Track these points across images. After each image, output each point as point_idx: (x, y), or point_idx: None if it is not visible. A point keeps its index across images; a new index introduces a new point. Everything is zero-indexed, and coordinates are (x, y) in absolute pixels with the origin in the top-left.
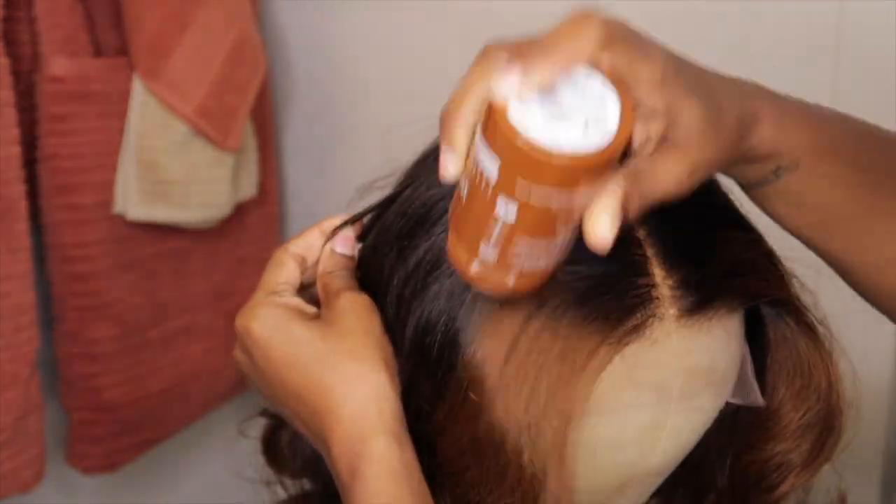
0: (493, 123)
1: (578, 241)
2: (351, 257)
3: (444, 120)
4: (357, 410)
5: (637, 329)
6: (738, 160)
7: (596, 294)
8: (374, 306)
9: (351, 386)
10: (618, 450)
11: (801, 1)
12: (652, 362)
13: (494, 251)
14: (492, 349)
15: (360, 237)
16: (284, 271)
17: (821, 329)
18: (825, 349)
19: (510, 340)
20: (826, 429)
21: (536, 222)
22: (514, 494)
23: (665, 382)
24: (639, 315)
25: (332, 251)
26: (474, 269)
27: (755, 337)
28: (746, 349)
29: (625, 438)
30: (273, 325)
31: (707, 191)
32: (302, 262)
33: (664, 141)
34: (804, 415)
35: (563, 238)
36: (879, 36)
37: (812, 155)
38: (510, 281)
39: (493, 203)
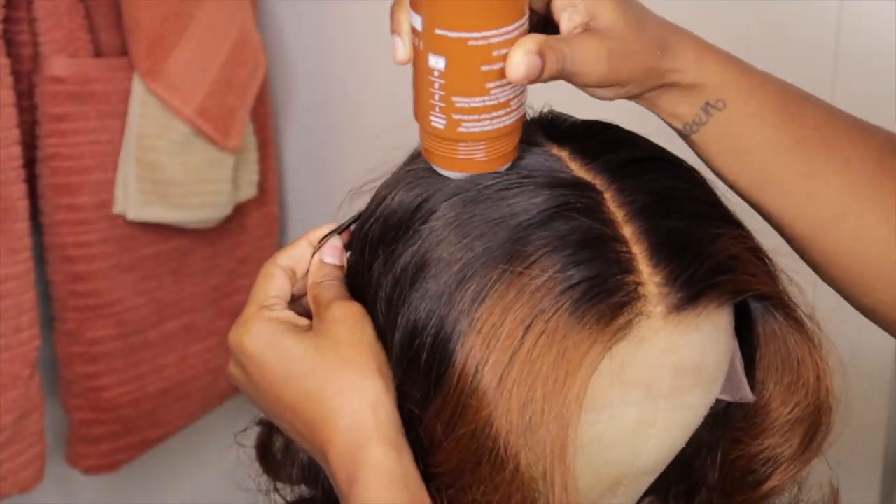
0: None
1: (571, 244)
2: (340, 266)
3: (390, 14)
4: (353, 419)
5: (625, 327)
6: (663, 82)
7: (588, 296)
8: (366, 314)
9: (346, 395)
10: (609, 448)
11: (801, 1)
12: (640, 360)
13: (441, 118)
14: (488, 355)
15: (349, 245)
16: (274, 284)
17: (809, 324)
18: (813, 344)
19: (510, 347)
20: (815, 424)
21: (463, 73)
22: (512, 498)
23: (653, 380)
24: (626, 313)
25: (321, 261)
26: (434, 145)
27: (744, 333)
28: (736, 345)
29: (615, 437)
30: (266, 340)
31: (693, 186)
32: (292, 274)
33: (587, 29)
34: (793, 410)
35: (498, 95)
36: (879, 36)
37: (738, 94)
38: (478, 154)
39: (426, 61)
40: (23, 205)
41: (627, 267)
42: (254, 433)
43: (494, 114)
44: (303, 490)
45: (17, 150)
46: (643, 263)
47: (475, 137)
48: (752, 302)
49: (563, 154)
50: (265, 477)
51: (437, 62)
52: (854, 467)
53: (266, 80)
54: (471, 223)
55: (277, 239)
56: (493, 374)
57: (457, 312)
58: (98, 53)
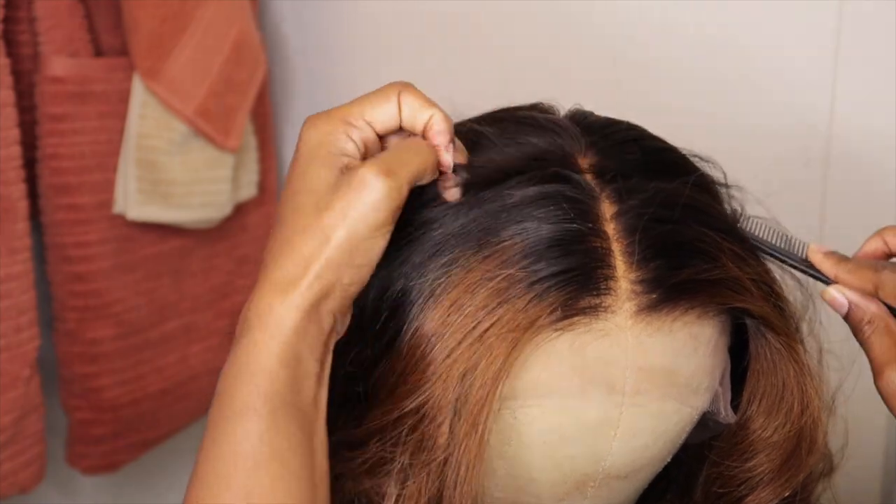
0: None
1: (546, 235)
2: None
3: None
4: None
5: (585, 317)
6: None
7: (555, 286)
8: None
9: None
10: (570, 443)
11: (801, 1)
12: (603, 356)
13: None
14: (444, 330)
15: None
16: (383, 111)
17: (803, 349)
18: (804, 370)
19: (466, 327)
20: (793, 452)
21: None
22: (430, 464)
23: (617, 378)
24: (590, 302)
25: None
26: None
27: (743, 351)
28: (727, 364)
29: (576, 431)
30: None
31: (700, 199)
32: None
33: None
34: (772, 433)
35: None
36: (879, 36)
37: None
38: None
39: None
40: (23, 205)
41: (602, 262)
42: None
43: None
44: None
45: (17, 150)
46: (619, 260)
47: None
48: (748, 319)
49: (581, 144)
50: None
51: None
52: (854, 469)
53: (266, 80)
54: (467, 198)
55: None
56: (443, 348)
57: (423, 281)
58: (98, 53)
